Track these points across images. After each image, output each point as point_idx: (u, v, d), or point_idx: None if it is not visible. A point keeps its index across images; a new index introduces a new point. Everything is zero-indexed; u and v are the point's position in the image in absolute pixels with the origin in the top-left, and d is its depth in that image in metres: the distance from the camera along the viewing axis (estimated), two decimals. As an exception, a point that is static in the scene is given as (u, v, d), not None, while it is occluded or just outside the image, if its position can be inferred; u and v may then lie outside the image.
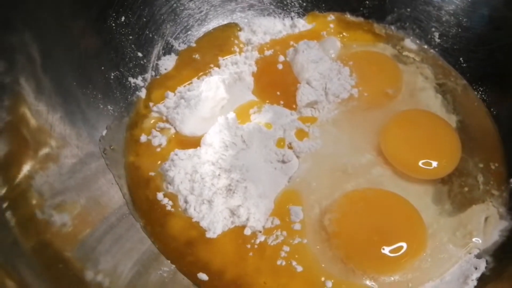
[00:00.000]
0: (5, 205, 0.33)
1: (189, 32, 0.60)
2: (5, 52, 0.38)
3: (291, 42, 0.59)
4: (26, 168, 0.36)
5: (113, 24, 0.51)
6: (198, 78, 0.56)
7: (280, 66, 0.57)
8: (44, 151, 0.39)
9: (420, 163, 0.50)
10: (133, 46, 0.53)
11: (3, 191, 0.33)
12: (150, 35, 0.56)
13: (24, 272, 0.30)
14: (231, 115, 0.48)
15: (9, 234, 0.32)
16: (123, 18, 0.51)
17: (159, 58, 0.57)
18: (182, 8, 0.58)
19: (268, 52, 0.59)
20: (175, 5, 0.57)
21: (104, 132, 0.48)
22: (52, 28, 0.44)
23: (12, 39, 0.39)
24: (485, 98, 0.55)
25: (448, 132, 0.53)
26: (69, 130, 0.44)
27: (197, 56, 0.59)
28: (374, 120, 0.54)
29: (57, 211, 0.37)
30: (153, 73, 0.56)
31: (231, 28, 0.62)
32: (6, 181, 0.35)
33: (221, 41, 0.61)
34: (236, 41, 0.61)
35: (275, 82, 0.56)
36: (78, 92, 0.47)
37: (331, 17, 0.63)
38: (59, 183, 0.39)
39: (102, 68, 0.50)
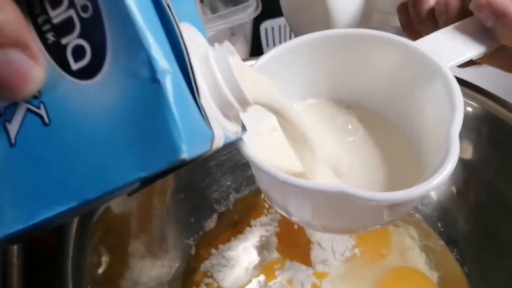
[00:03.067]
0: None
1: (228, 198, 0.78)
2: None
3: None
4: None
5: (172, 200, 0.70)
6: (234, 237, 0.73)
7: (296, 227, 0.75)
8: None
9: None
10: (188, 214, 0.72)
11: None
12: (199, 204, 0.74)
13: None
14: (262, 277, 0.65)
15: None
16: (182, 195, 0.70)
17: (205, 221, 0.75)
18: (224, 181, 0.78)
19: (288, 214, 0.77)
20: (219, 180, 0.77)
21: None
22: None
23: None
24: (458, 258, 0.71)
25: (430, 286, 0.67)
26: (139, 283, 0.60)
27: (234, 217, 0.77)
28: (372, 275, 0.69)
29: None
30: (201, 233, 0.74)
31: (260, 192, 0.81)
32: None
33: (252, 204, 0.79)
34: (263, 204, 0.79)
35: (294, 241, 0.73)
36: (150, 252, 0.64)
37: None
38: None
39: (171, 232, 0.68)
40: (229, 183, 0.78)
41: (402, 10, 0.56)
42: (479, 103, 0.66)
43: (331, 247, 0.71)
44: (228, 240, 0.72)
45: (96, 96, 0.23)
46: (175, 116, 0.23)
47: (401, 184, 0.40)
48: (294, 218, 0.43)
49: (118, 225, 0.58)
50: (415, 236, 0.75)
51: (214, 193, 0.77)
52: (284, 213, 0.44)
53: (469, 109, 0.66)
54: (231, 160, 0.78)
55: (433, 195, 0.74)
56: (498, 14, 0.41)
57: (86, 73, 0.24)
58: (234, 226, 0.75)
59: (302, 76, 0.47)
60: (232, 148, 0.78)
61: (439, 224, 0.74)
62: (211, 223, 0.75)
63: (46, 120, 0.24)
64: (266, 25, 1.00)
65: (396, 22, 0.59)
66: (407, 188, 0.32)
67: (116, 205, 0.57)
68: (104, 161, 0.24)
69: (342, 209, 0.37)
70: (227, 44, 0.30)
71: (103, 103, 0.23)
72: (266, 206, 0.78)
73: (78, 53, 0.24)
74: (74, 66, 0.24)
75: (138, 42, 0.23)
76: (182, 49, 0.25)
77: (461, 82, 0.65)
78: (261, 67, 0.42)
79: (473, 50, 0.43)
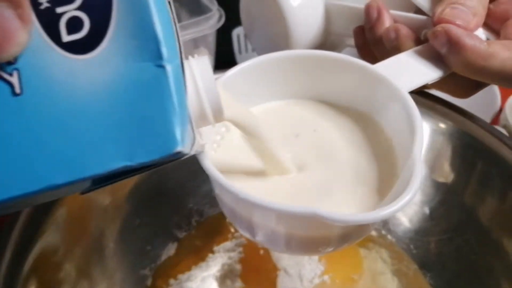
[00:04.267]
0: None
1: (189, 222, 0.73)
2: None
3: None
4: None
5: (126, 226, 0.64)
6: (195, 265, 0.67)
7: (261, 252, 0.70)
8: None
9: None
10: (144, 242, 0.66)
11: None
12: (157, 230, 0.68)
13: None
14: (223, 312, 0.59)
15: None
16: (138, 221, 0.64)
17: (163, 248, 0.69)
18: (186, 203, 0.72)
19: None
20: (180, 203, 0.71)
21: (117, 323, 0.58)
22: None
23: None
24: (431, 282, 0.67)
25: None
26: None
27: (196, 242, 0.71)
28: (342, 304, 0.65)
29: None
30: (158, 262, 0.67)
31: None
32: None
33: (216, 228, 0.73)
34: (228, 228, 0.74)
35: (259, 268, 0.68)
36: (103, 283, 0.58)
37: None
38: None
39: (121, 265, 0.62)
40: (191, 205, 0.73)
41: (358, 32, 0.57)
42: (452, 120, 0.63)
43: (299, 274, 0.66)
44: (188, 269, 0.67)
45: (86, 73, 0.22)
46: (175, 106, 0.22)
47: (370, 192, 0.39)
48: (257, 238, 0.42)
49: (58, 257, 0.51)
50: (387, 260, 0.71)
51: (174, 217, 0.71)
52: (247, 234, 0.42)
53: (442, 125, 0.64)
54: (193, 181, 0.73)
55: (405, 217, 0.71)
56: (452, 42, 0.42)
57: (79, 47, 0.23)
58: (195, 253, 0.70)
59: (273, 84, 0.47)
60: (195, 166, 0.73)
61: (411, 247, 0.71)
62: (170, 250, 0.69)
63: (17, 89, 0.22)
64: (238, 31, 0.97)
65: (350, 42, 0.61)
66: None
67: (57, 233, 0.52)
68: (83, 143, 0.22)
69: (307, 229, 0.36)
70: (207, 57, 0.29)
71: (93, 81, 0.22)
72: (232, 230, 0.73)
73: (74, 25, 0.22)
74: (66, 38, 0.23)
75: (150, 27, 0.22)
76: (177, 46, 0.24)
77: (433, 98, 0.62)
78: (229, 79, 0.41)
79: (429, 75, 0.45)
